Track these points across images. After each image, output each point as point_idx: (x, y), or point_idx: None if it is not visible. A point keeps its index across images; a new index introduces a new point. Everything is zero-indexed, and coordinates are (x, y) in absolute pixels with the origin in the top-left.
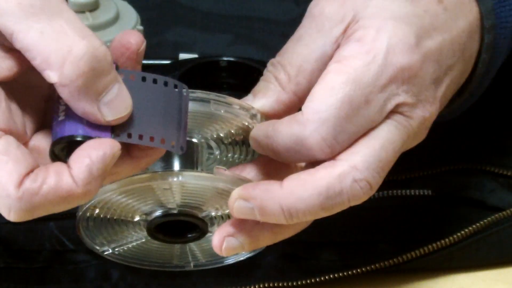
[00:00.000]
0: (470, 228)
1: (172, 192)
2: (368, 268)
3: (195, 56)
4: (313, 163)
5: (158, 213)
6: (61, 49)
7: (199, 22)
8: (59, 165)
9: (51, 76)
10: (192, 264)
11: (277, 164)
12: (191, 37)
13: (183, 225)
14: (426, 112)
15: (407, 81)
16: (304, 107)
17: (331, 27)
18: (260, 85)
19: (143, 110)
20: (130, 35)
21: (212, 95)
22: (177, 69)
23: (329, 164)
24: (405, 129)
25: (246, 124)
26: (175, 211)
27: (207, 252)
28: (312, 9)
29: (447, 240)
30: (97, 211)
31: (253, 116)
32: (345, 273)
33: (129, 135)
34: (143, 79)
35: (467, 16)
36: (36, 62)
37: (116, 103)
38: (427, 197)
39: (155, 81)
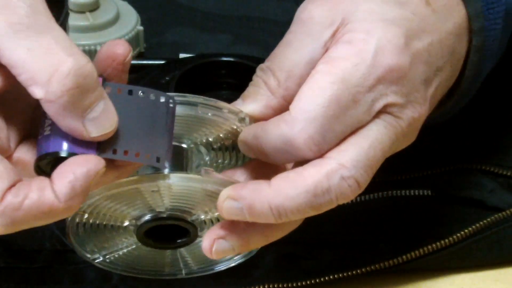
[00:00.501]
0: (470, 228)
1: (160, 195)
2: (368, 268)
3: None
4: (302, 163)
5: (147, 217)
6: (48, 66)
7: (199, 22)
8: (42, 180)
9: (37, 92)
10: (183, 272)
11: (267, 169)
12: (191, 37)
13: (173, 231)
14: (415, 112)
15: (396, 82)
16: (291, 107)
17: (320, 32)
18: (250, 90)
19: (129, 125)
20: (117, 46)
21: (200, 99)
22: (177, 69)
23: (317, 162)
24: (394, 129)
25: (235, 127)
26: (164, 215)
27: (198, 258)
28: (300, 14)
29: (446, 240)
30: (86, 216)
31: (241, 120)
32: (344, 274)
33: (115, 151)
34: (130, 92)
35: (455, 18)
36: (22, 78)
37: (102, 119)
38: (427, 197)
39: (142, 94)
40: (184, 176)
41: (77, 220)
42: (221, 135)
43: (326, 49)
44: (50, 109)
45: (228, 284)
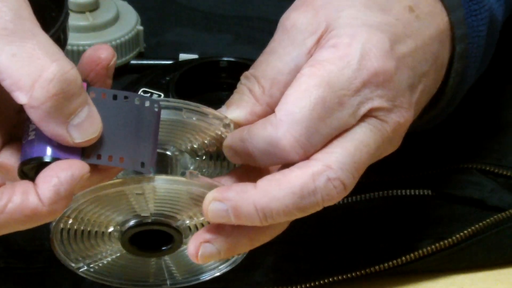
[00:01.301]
0: (470, 229)
1: (145, 198)
2: (367, 270)
3: (195, 56)
4: (288, 166)
5: (132, 223)
6: (32, 71)
7: (199, 22)
8: (25, 183)
9: (21, 98)
10: (168, 283)
11: (252, 176)
12: (191, 37)
13: (158, 239)
14: (401, 117)
15: (381, 86)
16: (277, 109)
17: (304, 39)
18: (234, 97)
19: (113, 130)
20: (100, 50)
21: (184, 103)
22: (177, 69)
23: (303, 164)
24: (380, 133)
25: (220, 133)
26: (149, 220)
27: (183, 268)
28: (284, 21)
29: (446, 241)
30: (70, 221)
31: (226, 126)
32: (344, 276)
33: (99, 157)
34: (115, 97)
35: (438, 25)
36: (6, 84)
37: (86, 125)
38: (427, 197)
39: (126, 98)
40: (169, 178)
41: (61, 226)
42: (205, 142)
43: (310, 55)
44: (34, 115)
45: (227, 286)
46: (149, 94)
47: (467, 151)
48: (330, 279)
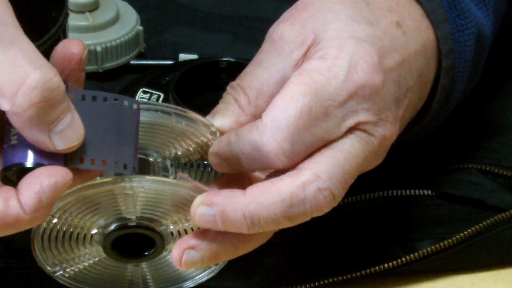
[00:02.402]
0: (470, 230)
1: (133, 199)
2: (367, 271)
3: (195, 56)
4: (277, 174)
5: (115, 225)
6: (14, 78)
7: (199, 22)
8: (7, 190)
9: (3, 104)
10: None
11: (234, 186)
12: (191, 37)
13: (138, 244)
14: (387, 131)
15: (368, 98)
16: (264, 114)
17: (291, 51)
18: (220, 106)
19: (94, 132)
20: (71, 45)
21: (173, 108)
22: (177, 69)
23: (293, 173)
24: (368, 145)
25: (205, 140)
26: (133, 223)
27: (159, 277)
28: (272, 33)
29: (446, 242)
30: (55, 220)
31: (213, 133)
32: (344, 277)
33: (81, 161)
34: (94, 98)
35: (424, 41)
36: None
37: (68, 132)
38: (427, 197)
39: (105, 99)
40: (159, 179)
41: (44, 225)
42: (190, 149)
43: (297, 67)
44: (16, 122)
45: (228, 286)
46: (149, 94)
47: (467, 151)
48: (330, 280)
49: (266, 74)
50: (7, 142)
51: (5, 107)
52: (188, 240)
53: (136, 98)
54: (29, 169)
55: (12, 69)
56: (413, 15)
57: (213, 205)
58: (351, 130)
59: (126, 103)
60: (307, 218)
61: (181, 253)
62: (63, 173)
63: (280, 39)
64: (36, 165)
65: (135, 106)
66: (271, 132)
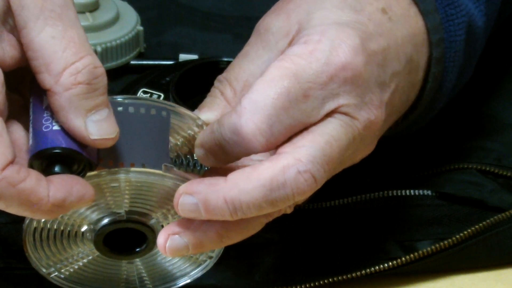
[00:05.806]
0: (470, 230)
1: (120, 192)
2: (367, 271)
3: (195, 57)
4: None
5: (105, 221)
6: (65, 57)
7: (199, 22)
8: (39, 174)
9: (46, 81)
10: None
11: None
12: (191, 37)
13: (131, 240)
14: (371, 114)
15: (350, 81)
16: (243, 98)
17: (276, 42)
18: (207, 100)
19: (127, 140)
20: None
21: (161, 103)
22: (177, 69)
23: (274, 157)
24: (351, 129)
25: (193, 133)
26: (123, 218)
27: (155, 273)
28: (258, 26)
29: (446, 242)
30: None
31: (199, 126)
32: (344, 277)
33: (122, 164)
34: (126, 108)
35: (412, 28)
36: (36, 64)
37: (105, 125)
38: (427, 197)
39: (137, 109)
40: (144, 170)
41: (35, 225)
42: (178, 143)
43: None
44: (56, 102)
45: (228, 286)
46: (149, 95)
47: (467, 151)
48: (330, 279)
49: (251, 65)
50: (39, 127)
51: (48, 84)
52: (173, 227)
53: None
54: (60, 157)
55: (66, 48)
56: (401, 3)
57: (195, 193)
58: (332, 113)
59: (153, 111)
60: (289, 203)
61: (166, 239)
62: (91, 192)
63: (265, 31)
64: (71, 152)
65: (164, 113)
66: (249, 114)
